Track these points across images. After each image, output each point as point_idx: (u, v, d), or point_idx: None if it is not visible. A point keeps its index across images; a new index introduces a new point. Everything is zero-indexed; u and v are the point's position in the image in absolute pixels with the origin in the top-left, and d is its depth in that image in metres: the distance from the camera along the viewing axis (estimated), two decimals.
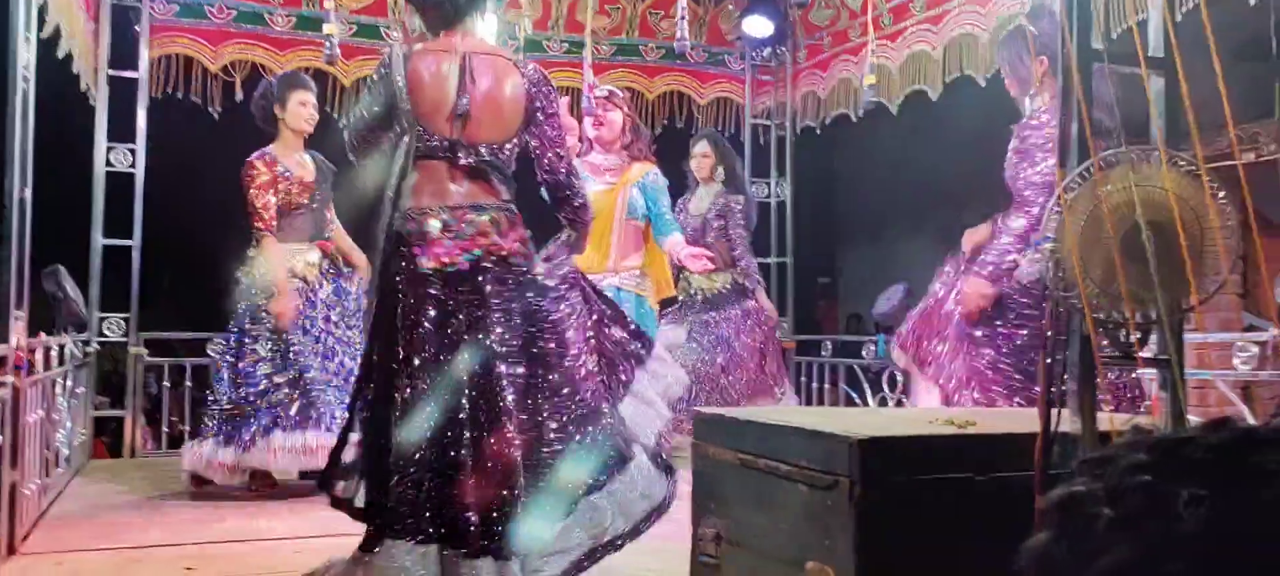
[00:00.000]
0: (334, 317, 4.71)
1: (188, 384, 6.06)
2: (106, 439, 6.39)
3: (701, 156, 5.78)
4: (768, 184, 7.28)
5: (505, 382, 2.65)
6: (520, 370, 2.71)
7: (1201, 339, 4.47)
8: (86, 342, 5.45)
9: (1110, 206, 1.66)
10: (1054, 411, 1.76)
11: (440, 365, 2.63)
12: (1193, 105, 1.83)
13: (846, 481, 1.90)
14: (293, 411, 4.43)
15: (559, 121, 2.94)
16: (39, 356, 3.87)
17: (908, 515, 1.92)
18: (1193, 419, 2.15)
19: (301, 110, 4.76)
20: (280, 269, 4.55)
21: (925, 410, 3.28)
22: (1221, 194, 1.72)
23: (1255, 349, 4.01)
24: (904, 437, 2.05)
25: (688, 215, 5.77)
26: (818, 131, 6.93)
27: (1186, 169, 1.74)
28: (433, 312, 2.66)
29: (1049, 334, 1.81)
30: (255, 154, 4.68)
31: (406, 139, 2.73)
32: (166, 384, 6.11)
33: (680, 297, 5.72)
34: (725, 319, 5.62)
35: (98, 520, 4.09)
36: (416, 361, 2.62)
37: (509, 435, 2.61)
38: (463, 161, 2.75)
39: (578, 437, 2.75)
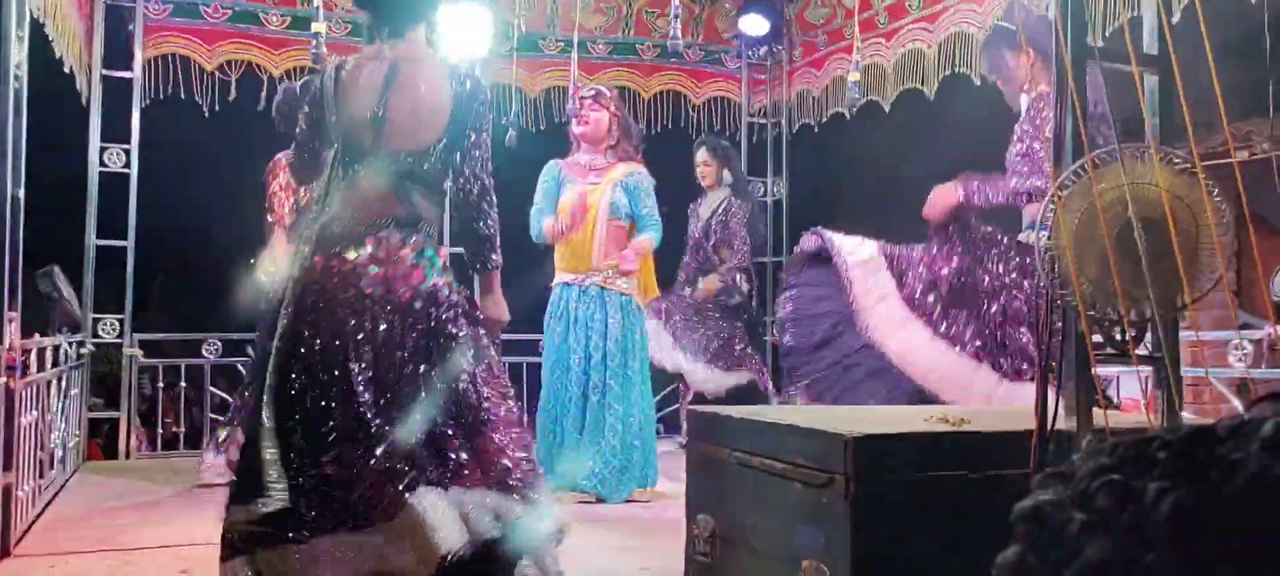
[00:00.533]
0: None
1: (182, 385, 6.04)
2: (100, 440, 6.37)
3: (702, 165, 5.85)
4: (764, 182, 7.28)
5: (407, 399, 2.51)
6: (420, 389, 2.54)
7: (1196, 337, 4.48)
8: (81, 343, 5.44)
9: (1105, 204, 1.66)
10: (1050, 408, 1.76)
11: (339, 378, 2.49)
12: (1186, 103, 1.83)
13: (842, 479, 1.90)
14: None
15: (485, 142, 2.79)
16: (33, 357, 3.86)
17: (903, 513, 1.92)
18: (1188, 416, 2.15)
19: None
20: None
21: (920, 408, 3.28)
22: (1216, 192, 1.72)
23: (1250, 347, 4.01)
24: (898, 435, 2.05)
25: (698, 220, 5.83)
26: (815, 129, 6.93)
27: (1181, 167, 1.74)
28: (343, 327, 2.51)
29: (1045, 331, 1.81)
30: (282, 153, 4.71)
31: (334, 149, 2.67)
32: (161, 385, 6.09)
33: (678, 299, 5.74)
34: (703, 314, 5.66)
35: (92, 522, 4.08)
36: (318, 375, 2.48)
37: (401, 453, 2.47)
38: (383, 171, 2.63)
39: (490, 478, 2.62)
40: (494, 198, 2.82)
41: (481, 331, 2.71)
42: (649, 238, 4.74)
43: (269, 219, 4.75)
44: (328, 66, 2.73)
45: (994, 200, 3.56)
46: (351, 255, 2.59)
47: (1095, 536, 0.79)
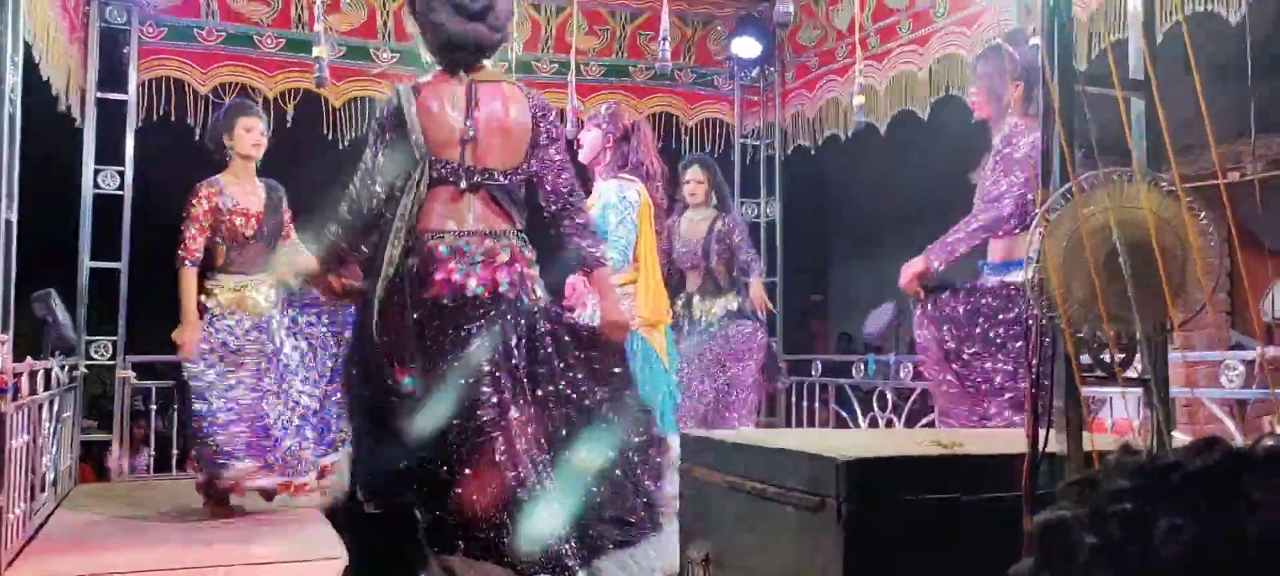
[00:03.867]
0: (291, 354, 4.70)
1: (175, 407, 6.02)
2: (92, 463, 6.34)
3: (696, 182, 5.73)
4: (757, 204, 7.30)
5: (509, 401, 2.67)
6: (523, 394, 2.72)
7: (1187, 357, 4.49)
8: (74, 366, 5.43)
9: (1091, 228, 1.67)
10: (1041, 432, 1.77)
11: (445, 385, 2.64)
12: (1176, 125, 1.85)
13: (834, 502, 1.90)
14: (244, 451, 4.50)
15: (563, 147, 2.99)
16: (25, 381, 3.85)
17: (896, 536, 1.92)
18: (1181, 436, 2.16)
19: (247, 136, 4.81)
20: (189, 299, 4.63)
21: (913, 431, 3.30)
22: (1202, 214, 1.73)
23: (1242, 367, 4.02)
24: (891, 459, 2.05)
25: (680, 239, 5.73)
26: (812, 151, 6.96)
27: (1168, 189, 1.75)
28: (440, 335, 2.67)
29: (1034, 355, 1.82)
30: (204, 182, 4.71)
31: (421, 169, 2.76)
32: (154, 407, 6.08)
33: (681, 321, 5.71)
34: (722, 343, 5.62)
35: (85, 544, 4.06)
36: (421, 382, 2.64)
37: (512, 448, 2.62)
38: (473, 186, 2.78)
39: (593, 463, 2.74)
40: (581, 201, 3.05)
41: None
42: (606, 268, 4.50)
43: (179, 253, 4.64)
44: (399, 92, 2.84)
45: (958, 253, 3.65)
46: (470, 273, 2.74)
47: (1103, 564, 0.77)
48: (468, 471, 2.57)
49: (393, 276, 2.70)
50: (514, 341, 2.72)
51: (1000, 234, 3.63)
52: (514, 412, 2.65)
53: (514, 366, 2.70)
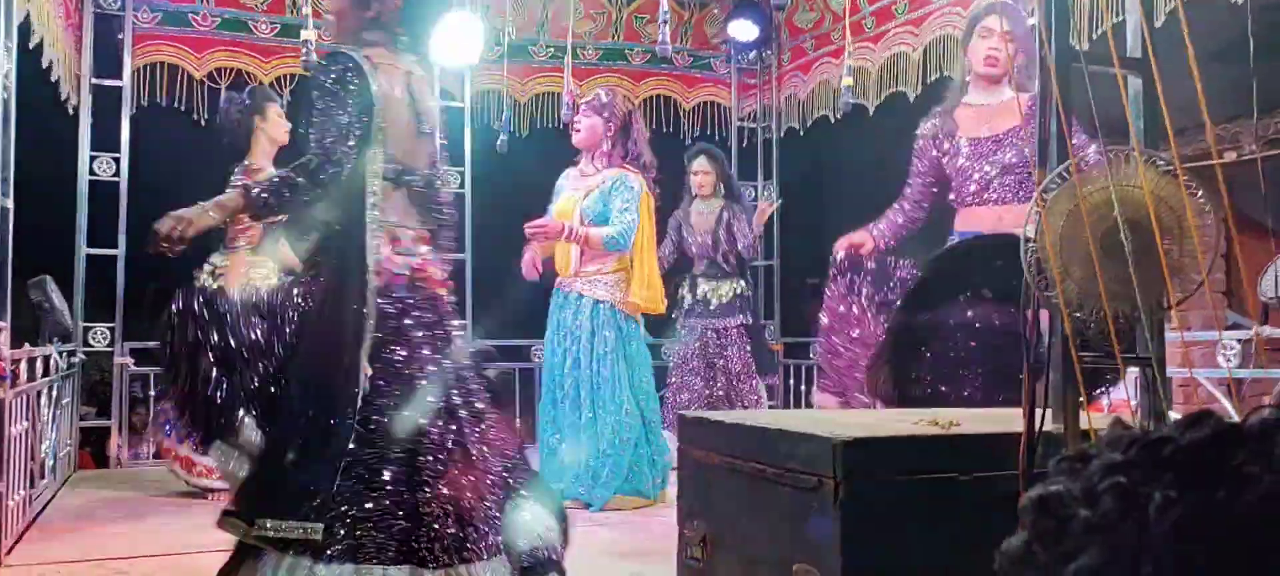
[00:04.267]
0: None
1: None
2: (90, 449, 6.35)
3: (702, 172, 5.72)
4: (754, 186, 7.29)
5: (461, 403, 2.64)
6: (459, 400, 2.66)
7: (1184, 337, 4.50)
8: (72, 352, 5.43)
9: (1089, 206, 1.67)
10: (1037, 411, 1.77)
11: (408, 387, 2.56)
12: (1175, 106, 1.84)
13: (831, 482, 1.90)
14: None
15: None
16: (23, 367, 3.85)
17: (892, 516, 1.92)
18: (1175, 416, 2.16)
19: (280, 121, 4.84)
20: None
21: (909, 411, 3.30)
22: (1200, 193, 1.73)
23: (1238, 346, 4.03)
24: (888, 438, 2.05)
25: (693, 232, 5.75)
26: (801, 133, 6.95)
27: (1165, 168, 1.75)
28: (404, 335, 2.58)
29: (1031, 333, 1.82)
30: (240, 166, 4.69)
31: (374, 155, 2.58)
32: (152, 393, 6.08)
33: (685, 303, 5.74)
34: (726, 332, 5.65)
35: (84, 531, 4.07)
36: (383, 382, 2.52)
37: (469, 451, 2.58)
38: (413, 185, 2.66)
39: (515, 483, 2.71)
40: None
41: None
42: (601, 231, 4.58)
43: (247, 234, 4.67)
44: (358, 63, 2.55)
45: (899, 234, 3.70)
46: (415, 271, 2.65)
47: (1096, 538, 0.77)
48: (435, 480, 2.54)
49: (355, 270, 2.61)
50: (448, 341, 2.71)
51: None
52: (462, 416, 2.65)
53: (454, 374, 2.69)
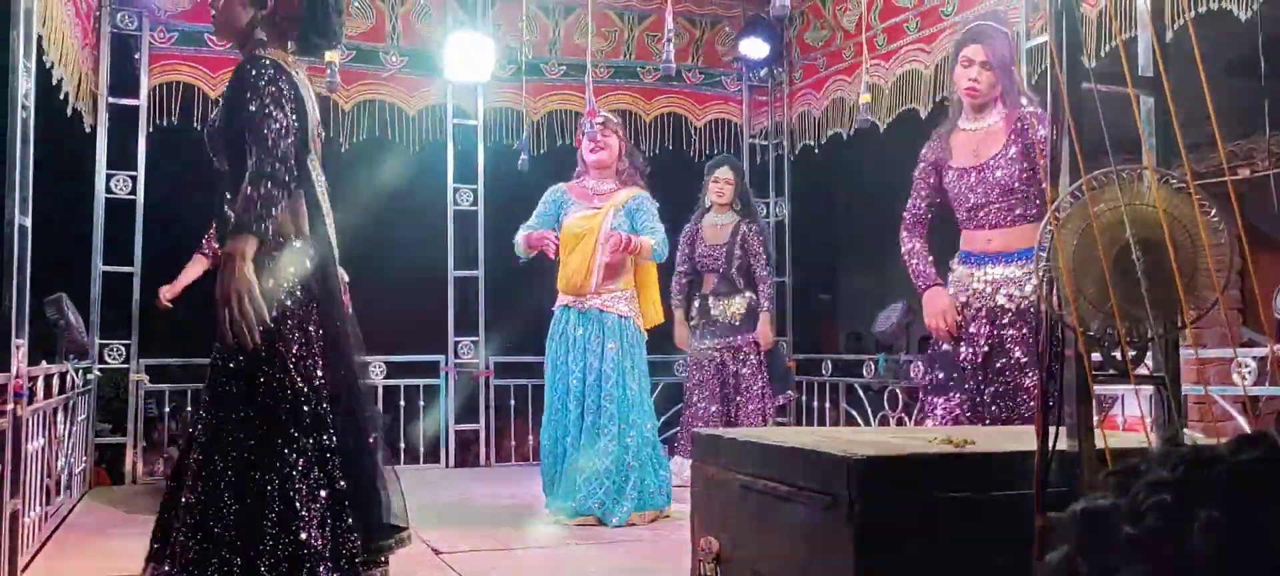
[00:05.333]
0: None
1: (188, 409, 6.05)
2: (106, 466, 6.37)
3: (723, 182, 5.74)
4: (766, 203, 7.30)
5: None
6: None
7: (1199, 354, 4.48)
8: (87, 369, 5.46)
9: (1102, 225, 1.67)
10: (1052, 430, 1.77)
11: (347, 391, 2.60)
12: (1187, 122, 1.85)
13: (846, 501, 1.90)
14: None
15: None
16: (40, 384, 3.87)
17: (906, 534, 1.92)
18: (1193, 434, 2.16)
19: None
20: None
21: (923, 429, 3.29)
22: (1212, 211, 1.73)
23: (1254, 364, 4.01)
24: (902, 457, 2.05)
25: (704, 244, 5.77)
26: (815, 151, 6.96)
27: (1178, 186, 1.75)
28: (341, 336, 2.61)
29: (1045, 353, 1.82)
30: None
31: (313, 162, 2.62)
32: (168, 409, 6.11)
33: (696, 322, 5.75)
34: (740, 349, 5.65)
35: (99, 547, 4.09)
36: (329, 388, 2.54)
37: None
38: (316, 187, 2.63)
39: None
40: None
41: None
42: (650, 240, 4.68)
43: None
44: (279, 63, 2.53)
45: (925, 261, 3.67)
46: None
47: (1139, 555, 0.75)
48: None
49: (311, 275, 2.59)
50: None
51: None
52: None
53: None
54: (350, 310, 2.73)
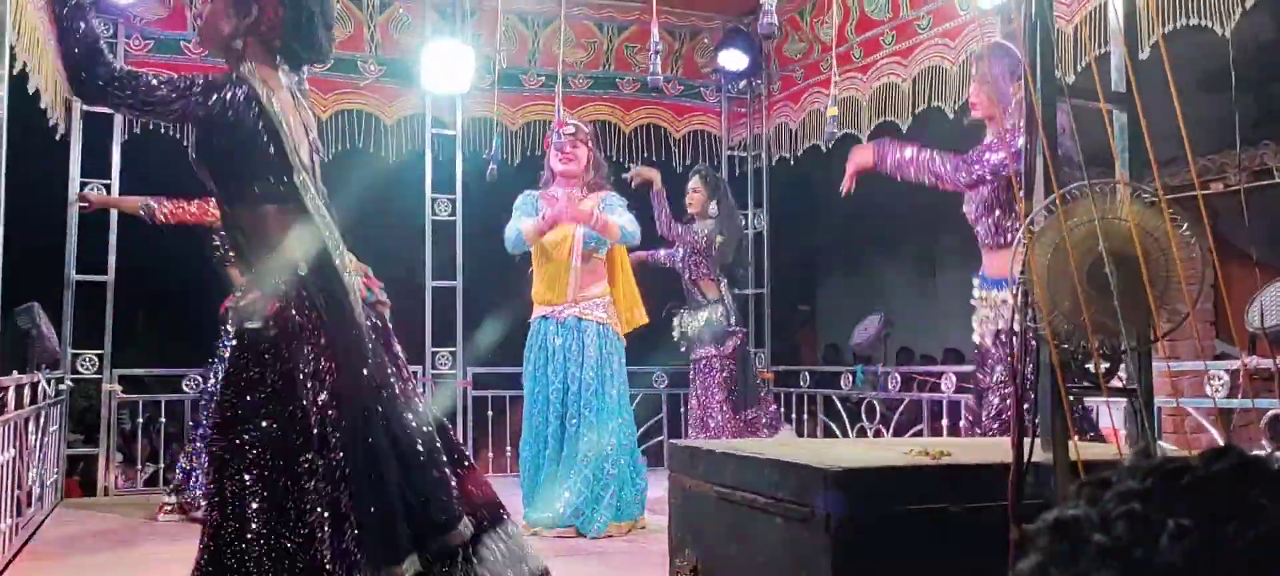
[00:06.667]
0: None
1: (162, 420, 6.00)
2: (78, 477, 6.31)
3: (692, 192, 5.78)
4: (745, 215, 7.32)
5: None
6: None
7: (1172, 367, 4.53)
8: (60, 379, 5.40)
9: (1075, 239, 1.69)
10: (1026, 441, 1.78)
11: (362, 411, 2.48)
12: (1159, 137, 1.87)
13: (823, 513, 1.91)
14: None
15: None
16: (11, 394, 3.83)
17: (884, 545, 1.93)
18: (1166, 446, 2.18)
19: None
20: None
21: (900, 442, 3.31)
22: (1184, 226, 1.75)
23: (1226, 377, 4.05)
24: (879, 469, 2.06)
25: (687, 247, 5.78)
26: (791, 162, 6.99)
27: (1150, 200, 1.77)
28: (353, 353, 2.52)
29: (1020, 365, 1.83)
30: None
31: (304, 182, 2.60)
32: (141, 420, 6.05)
33: (681, 346, 5.74)
34: (707, 361, 5.63)
35: (71, 559, 4.04)
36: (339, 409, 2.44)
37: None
38: (307, 203, 2.60)
39: None
40: None
41: None
42: (617, 220, 4.66)
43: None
44: (249, 79, 2.56)
45: (905, 171, 3.59)
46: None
47: (1109, 563, 0.77)
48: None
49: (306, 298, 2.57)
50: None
51: (945, 186, 3.54)
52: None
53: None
54: (388, 320, 2.68)
